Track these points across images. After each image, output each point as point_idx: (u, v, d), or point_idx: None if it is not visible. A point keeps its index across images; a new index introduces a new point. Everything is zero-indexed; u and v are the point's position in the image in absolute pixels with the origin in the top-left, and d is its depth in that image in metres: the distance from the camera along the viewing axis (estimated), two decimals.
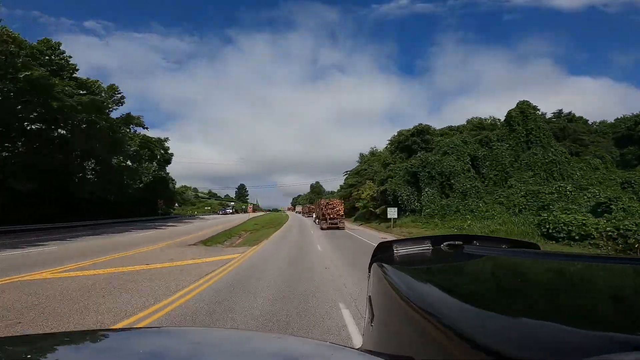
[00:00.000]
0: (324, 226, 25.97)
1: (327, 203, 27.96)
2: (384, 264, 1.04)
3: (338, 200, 28.96)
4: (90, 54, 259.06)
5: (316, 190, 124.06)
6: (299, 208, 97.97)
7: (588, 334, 0.44)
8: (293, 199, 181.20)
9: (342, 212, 27.15)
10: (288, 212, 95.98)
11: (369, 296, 1.07)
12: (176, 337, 1.03)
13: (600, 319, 0.53)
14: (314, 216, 41.69)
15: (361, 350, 0.85)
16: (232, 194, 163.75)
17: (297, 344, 1.05)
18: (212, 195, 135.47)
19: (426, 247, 1.25)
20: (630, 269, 0.84)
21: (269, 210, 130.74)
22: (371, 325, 0.95)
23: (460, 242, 1.22)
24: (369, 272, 1.15)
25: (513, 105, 31.77)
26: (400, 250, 1.23)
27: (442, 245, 1.23)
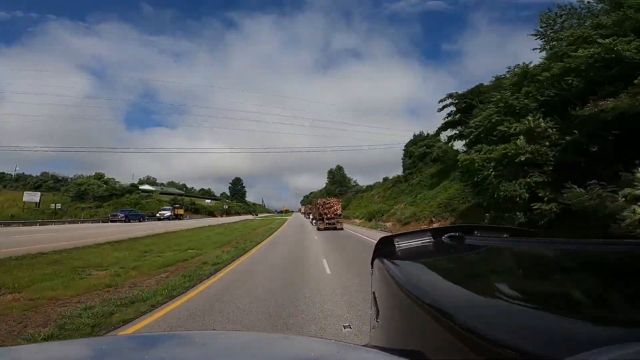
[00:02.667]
0: (321, 226, 25.96)
1: (324, 202, 27.92)
2: (386, 259, 1.04)
3: (335, 199, 29.08)
4: (88, 47, 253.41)
5: (337, 179, 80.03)
6: (304, 208, 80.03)
7: (594, 324, 0.43)
8: (304, 197, 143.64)
9: (339, 212, 27.17)
10: (296, 214, 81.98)
11: (373, 292, 1.08)
12: (183, 342, 1.03)
13: (607, 308, 0.52)
14: (310, 217, 40.90)
15: (368, 347, 0.85)
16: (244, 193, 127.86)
17: (306, 344, 1.05)
18: (206, 193, 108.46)
19: (427, 240, 1.24)
20: (634, 253, 0.83)
21: (278, 212, 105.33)
22: (377, 321, 0.95)
23: (461, 234, 1.22)
24: (372, 268, 1.15)
25: None
26: (401, 245, 1.22)
27: (443, 237, 1.22)
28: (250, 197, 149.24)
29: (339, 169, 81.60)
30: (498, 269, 0.94)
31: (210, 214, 69.36)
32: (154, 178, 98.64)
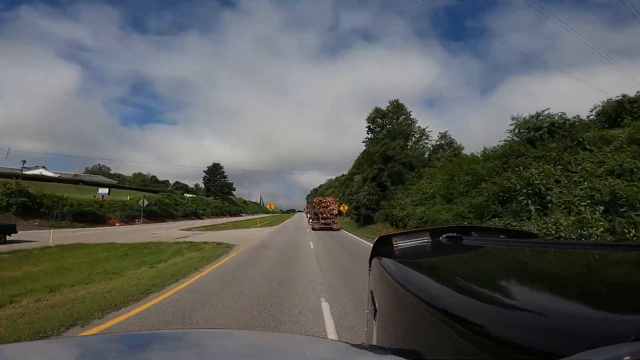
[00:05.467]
0: (316, 226, 25.43)
1: (321, 201, 27.48)
2: (384, 258, 1.04)
3: (332, 199, 28.38)
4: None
5: (394, 129, 32.16)
6: (306, 208, 66.11)
7: (591, 323, 0.44)
8: (312, 190, 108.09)
9: (336, 212, 26.73)
10: (300, 215, 68.91)
11: (370, 291, 1.08)
12: (178, 341, 1.02)
13: (604, 308, 0.53)
14: (307, 216, 40.05)
15: (364, 347, 0.86)
16: (240, 190, 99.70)
17: (303, 344, 1.05)
18: (180, 187, 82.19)
19: (425, 239, 1.26)
20: (631, 255, 0.85)
21: (282, 212, 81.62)
22: (374, 320, 0.96)
23: (459, 234, 1.24)
24: (369, 266, 1.16)
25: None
26: (400, 244, 1.23)
27: (441, 238, 1.24)
28: (256, 197, 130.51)
29: (398, 107, 34.02)
30: (496, 268, 0.96)
31: (81, 216, 29.27)
32: (107, 168, 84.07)
